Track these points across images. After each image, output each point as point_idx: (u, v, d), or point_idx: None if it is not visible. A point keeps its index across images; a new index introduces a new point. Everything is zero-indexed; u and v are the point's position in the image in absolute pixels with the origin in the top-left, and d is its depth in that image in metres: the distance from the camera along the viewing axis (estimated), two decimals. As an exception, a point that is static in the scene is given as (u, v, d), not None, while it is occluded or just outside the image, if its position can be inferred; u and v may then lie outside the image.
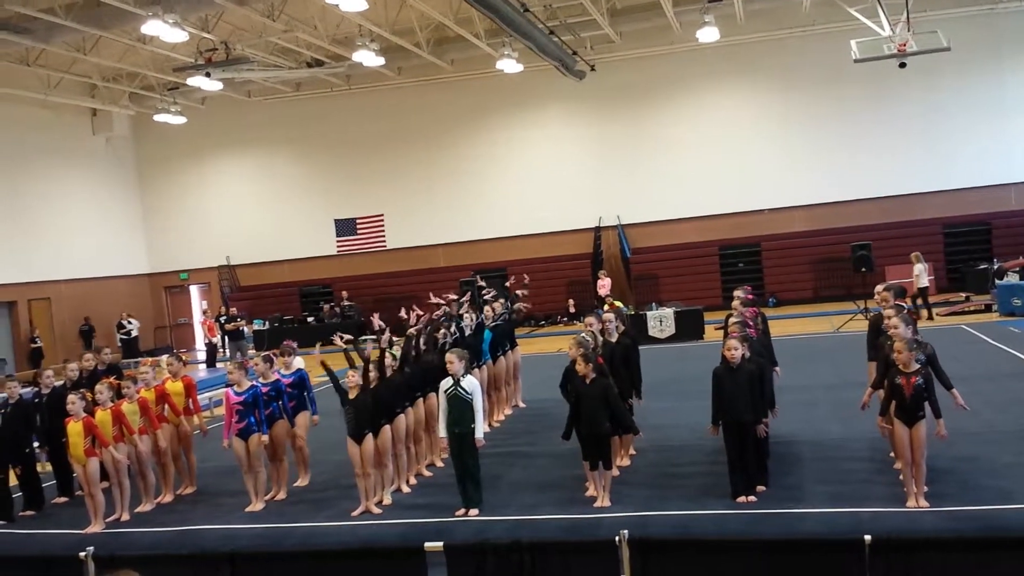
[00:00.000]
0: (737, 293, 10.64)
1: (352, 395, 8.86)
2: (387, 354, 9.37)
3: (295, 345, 11.02)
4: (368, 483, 8.92)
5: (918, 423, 7.53)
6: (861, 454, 9.40)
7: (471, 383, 8.65)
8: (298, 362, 10.71)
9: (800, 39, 26.82)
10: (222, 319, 24.46)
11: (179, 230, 32.29)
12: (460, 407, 8.51)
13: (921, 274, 21.20)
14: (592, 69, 27.08)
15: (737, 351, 8.17)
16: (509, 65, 25.57)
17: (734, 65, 27.79)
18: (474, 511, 8.54)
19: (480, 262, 29.60)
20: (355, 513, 8.88)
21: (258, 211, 31.79)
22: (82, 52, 23.86)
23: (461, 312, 12.34)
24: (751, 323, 9.49)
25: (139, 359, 21.79)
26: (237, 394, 9.46)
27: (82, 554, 7.19)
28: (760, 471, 8.43)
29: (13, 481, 10.49)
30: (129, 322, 29.28)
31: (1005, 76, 26.49)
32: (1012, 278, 21.35)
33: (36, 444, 10.80)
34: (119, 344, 28.15)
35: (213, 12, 21.72)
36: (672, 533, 7.37)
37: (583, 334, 9.25)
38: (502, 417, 13.01)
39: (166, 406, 10.40)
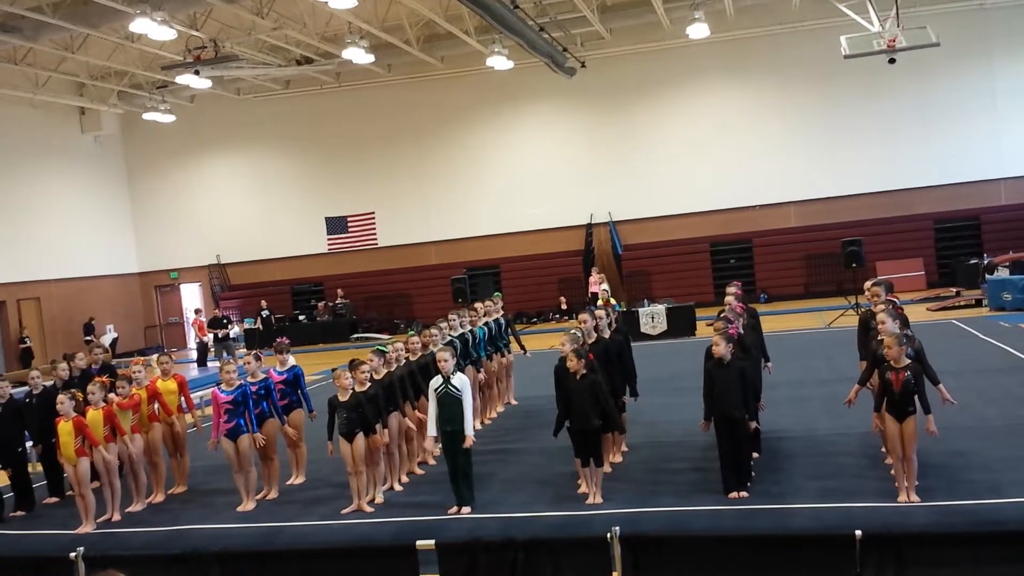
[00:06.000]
0: (729, 289, 10.68)
1: (343, 397, 8.84)
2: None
3: (287, 342, 10.98)
4: (360, 481, 8.90)
5: (908, 418, 7.53)
6: (853, 449, 9.41)
7: (461, 380, 8.62)
8: (292, 359, 10.66)
9: (790, 35, 26.85)
10: (225, 321, 24.46)
11: (169, 229, 32.18)
12: (451, 405, 8.49)
13: (606, 292, 21.60)
14: (583, 66, 27.07)
15: (720, 347, 8.18)
16: (499, 62, 25.54)
17: (724, 61, 27.78)
18: (466, 509, 8.52)
19: (472, 259, 29.66)
20: (347, 511, 8.86)
21: (248, 209, 31.70)
22: (70, 51, 23.76)
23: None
24: (732, 320, 9.42)
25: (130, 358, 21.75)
26: (225, 393, 9.38)
27: (72, 554, 7.17)
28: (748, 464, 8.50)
29: (4, 482, 10.44)
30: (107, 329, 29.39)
31: (994, 71, 26.56)
32: (1002, 273, 21.43)
33: (29, 443, 10.76)
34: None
35: (202, 10, 21.64)
36: (664, 530, 7.36)
37: (574, 331, 9.23)
38: (494, 415, 13.00)
39: (157, 405, 10.36)
